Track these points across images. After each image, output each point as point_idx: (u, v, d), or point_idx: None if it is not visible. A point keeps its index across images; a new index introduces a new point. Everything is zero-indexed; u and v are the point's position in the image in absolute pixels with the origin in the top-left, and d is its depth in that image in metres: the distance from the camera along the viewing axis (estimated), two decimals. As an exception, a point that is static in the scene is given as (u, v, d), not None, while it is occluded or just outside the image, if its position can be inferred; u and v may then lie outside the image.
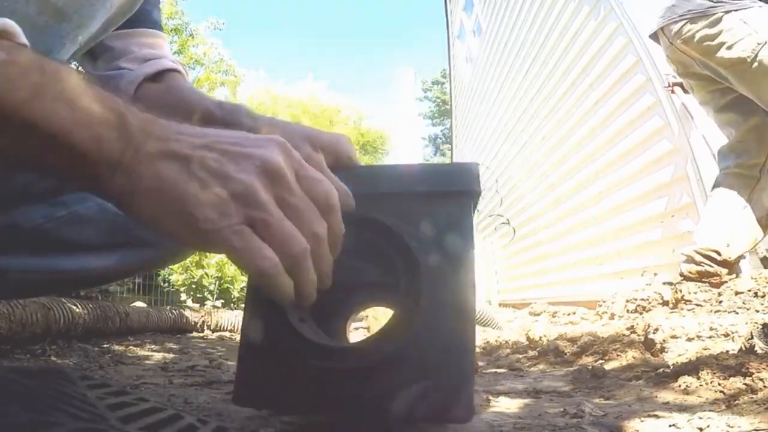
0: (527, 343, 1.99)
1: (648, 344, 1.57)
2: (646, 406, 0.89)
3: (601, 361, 1.27)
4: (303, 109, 14.22)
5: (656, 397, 0.94)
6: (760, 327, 1.30)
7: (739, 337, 1.40)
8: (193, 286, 3.31)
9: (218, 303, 3.36)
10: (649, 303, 2.13)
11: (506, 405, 1.01)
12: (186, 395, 0.93)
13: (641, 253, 3.38)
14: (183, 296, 3.41)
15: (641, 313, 2.13)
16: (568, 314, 2.81)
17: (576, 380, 1.17)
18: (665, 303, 2.11)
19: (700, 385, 0.94)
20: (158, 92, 0.85)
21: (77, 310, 1.70)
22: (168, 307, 2.94)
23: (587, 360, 1.39)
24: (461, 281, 0.61)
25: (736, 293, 1.68)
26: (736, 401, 0.82)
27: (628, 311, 2.19)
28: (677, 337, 1.57)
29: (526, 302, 5.12)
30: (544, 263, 5.15)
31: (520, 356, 1.65)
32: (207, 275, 3.32)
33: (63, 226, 0.77)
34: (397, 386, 0.54)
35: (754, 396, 0.81)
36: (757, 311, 1.57)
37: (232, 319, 2.97)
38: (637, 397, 0.96)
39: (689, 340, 1.52)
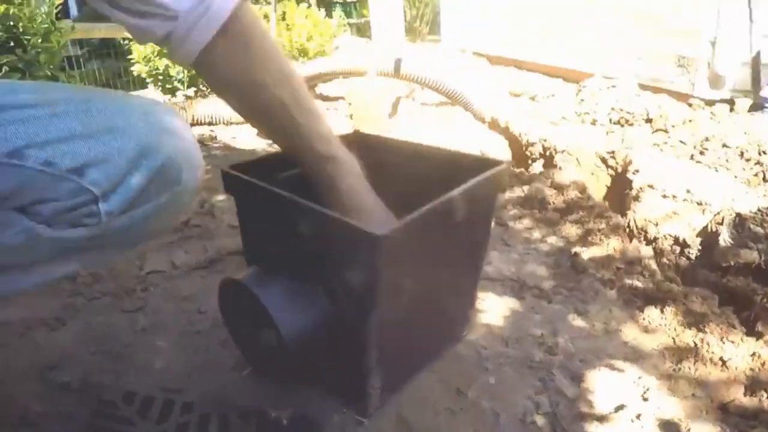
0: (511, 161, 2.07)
1: (624, 205, 1.68)
2: (609, 347, 1.09)
3: (581, 248, 1.40)
4: None
5: (621, 331, 1.13)
6: (732, 217, 1.42)
7: (710, 212, 1.52)
8: (160, 77, 2.93)
9: (190, 92, 3.05)
10: (633, 117, 2.13)
11: (494, 315, 1.19)
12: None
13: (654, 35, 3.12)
14: (150, 87, 3.07)
15: (623, 126, 2.16)
16: (547, 97, 2.77)
17: (557, 274, 1.34)
18: (648, 121, 2.11)
19: (660, 325, 1.12)
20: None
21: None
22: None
23: (571, 230, 1.51)
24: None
25: (723, 146, 1.71)
26: (679, 368, 1.01)
27: (611, 121, 2.20)
28: (654, 188, 1.69)
29: (502, 57, 4.79)
30: (535, 13, 4.50)
31: (506, 198, 1.75)
32: (172, 65, 2.90)
33: None
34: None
35: (694, 369, 1.00)
36: (735, 177, 1.63)
37: (209, 111, 2.73)
38: (605, 328, 1.14)
39: (664, 197, 1.65)
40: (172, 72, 2.84)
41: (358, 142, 1.03)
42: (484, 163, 0.88)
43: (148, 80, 2.95)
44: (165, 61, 2.83)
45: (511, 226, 1.57)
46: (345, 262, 0.69)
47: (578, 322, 1.17)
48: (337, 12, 9.51)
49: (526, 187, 1.74)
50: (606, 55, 3.50)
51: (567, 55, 3.93)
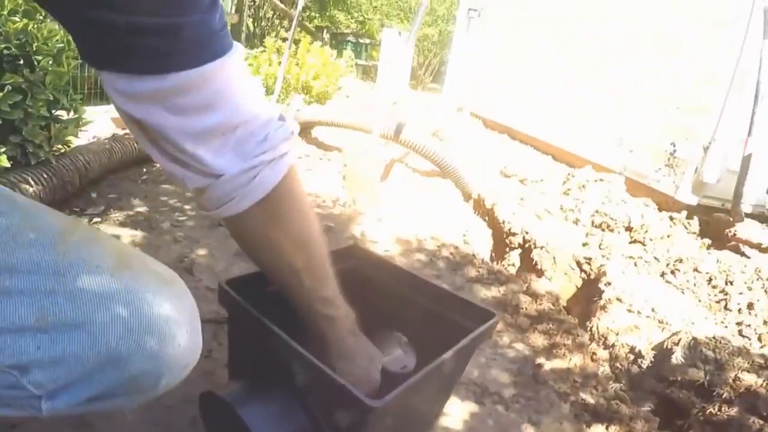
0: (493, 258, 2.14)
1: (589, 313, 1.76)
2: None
3: (545, 360, 1.46)
4: None
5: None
6: (689, 340, 1.51)
7: (669, 331, 1.61)
8: None
9: None
10: (615, 223, 2.24)
11: (454, 419, 1.23)
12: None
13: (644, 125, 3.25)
14: None
15: (603, 230, 2.26)
16: (537, 182, 2.89)
17: (518, 383, 1.39)
18: (629, 229, 2.22)
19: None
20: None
21: (31, 189, 1.58)
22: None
23: (538, 340, 1.57)
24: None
25: (695, 270, 1.81)
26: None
27: (593, 223, 2.31)
28: (621, 302, 1.78)
29: (498, 123, 4.90)
30: (537, 85, 4.61)
31: (482, 296, 1.81)
32: None
33: None
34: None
35: None
36: (699, 301, 1.73)
37: None
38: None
39: (629, 311, 1.73)
40: None
41: (356, 255, 1.04)
42: (473, 311, 0.89)
43: None
44: None
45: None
46: (334, 408, 0.70)
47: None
48: (348, 51, 9.75)
49: (502, 288, 1.81)
50: (599, 143, 3.55)
51: (561, 135, 4.00)
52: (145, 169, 2.47)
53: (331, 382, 0.65)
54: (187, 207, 2.13)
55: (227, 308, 0.83)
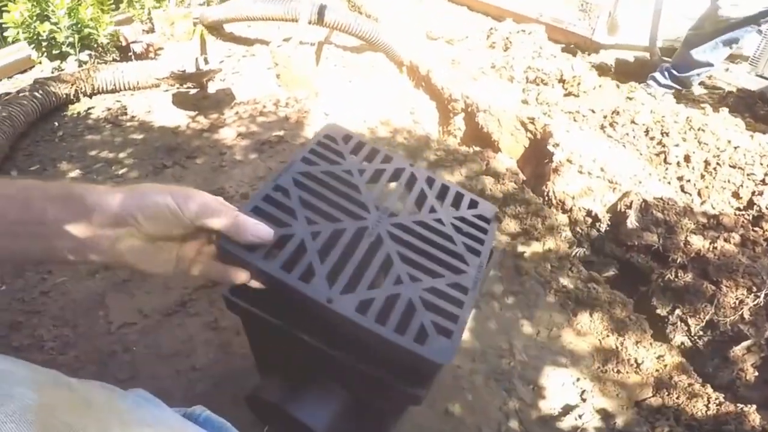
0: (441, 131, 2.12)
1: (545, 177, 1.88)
2: (553, 352, 1.35)
3: (523, 248, 1.61)
4: None
5: (560, 336, 1.40)
6: (639, 202, 1.70)
7: (621, 191, 1.79)
8: (44, 43, 2.14)
9: (84, 56, 2.32)
10: (548, 77, 2.26)
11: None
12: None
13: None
14: (33, 54, 2.25)
15: (538, 85, 2.28)
16: (461, 40, 2.77)
17: (503, 278, 1.54)
18: (561, 81, 2.25)
19: (589, 329, 1.41)
20: None
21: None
22: (27, 88, 1.99)
23: (510, 225, 1.69)
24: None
25: (632, 122, 1.93)
26: (606, 370, 1.32)
27: (527, 80, 2.31)
28: (572, 163, 1.91)
29: None
30: None
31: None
32: (58, 29, 2.12)
33: None
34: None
35: (616, 371, 1.31)
36: (641, 154, 1.89)
37: (110, 77, 2.21)
38: (548, 334, 1.40)
39: (580, 173, 1.88)
40: (60, 37, 2.19)
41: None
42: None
43: (29, 45, 2.25)
44: (49, 26, 2.17)
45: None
46: (387, 377, 0.67)
47: (527, 328, 1.42)
48: None
49: (463, 170, 1.85)
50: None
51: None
52: (56, 123, 2.05)
53: (394, 346, 0.61)
54: (122, 155, 1.85)
55: (241, 317, 0.77)
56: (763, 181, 1.67)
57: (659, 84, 2.53)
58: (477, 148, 2.13)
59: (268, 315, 0.71)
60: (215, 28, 3.04)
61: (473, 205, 0.86)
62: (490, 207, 0.88)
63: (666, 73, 2.52)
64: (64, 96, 2.12)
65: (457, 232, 0.79)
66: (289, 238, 0.66)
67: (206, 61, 2.29)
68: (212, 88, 2.36)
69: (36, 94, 1.96)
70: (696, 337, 1.47)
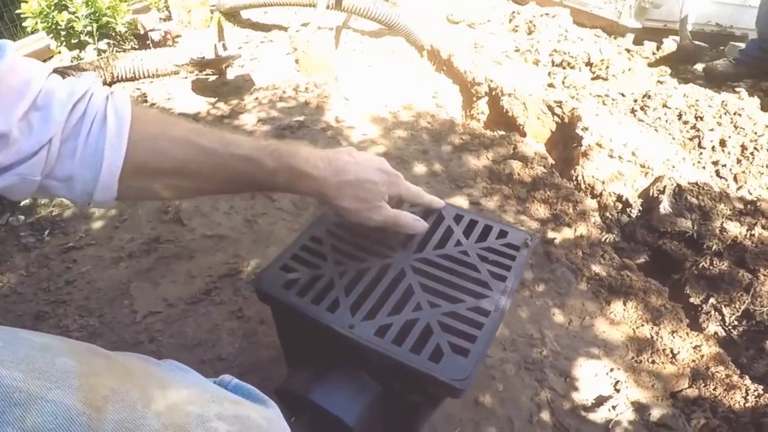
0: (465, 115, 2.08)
1: (574, 160, 1.83)
2: (586, 341, 1.32)
3: (553, 234, 1.56)
4: None
5: (593, 325, 1.36)
6: (673, 187, 1.65)
7: (652, 176, 1.73)
8: (62, 32, 2.13)
9: (103, 45, 2.31)
10: (575, 60, 2.19)
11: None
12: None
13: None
14: (53, 44, 2.24)
15: (564, 68, 2.22)
16: (483, 23, 2.70)
17: (534, 265, 1.50)
18: (589, 64, 2.19)
19: (623, 318, 1.37)
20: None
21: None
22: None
23: (539, 210, 1.65)
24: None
25: (664, 106, 1.86)
26: (640, 360, 1.28)
27: (554, 64, 2.24)
28: (602, 147, 1.85)
29: None
30: None
31: (473, 167, 1.81)
32: (76, 18, 2.10)
33: None
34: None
35: (651, 360, 1.27)
36: (674, 139, 1.83)
37: (129, 65, 2.19)
38: (581, 323, 1.37)
39: (611, 157, 1.82)
40: (78, 26, 2.18)
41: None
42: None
43: (48, 35, 2.24)
44: (67, 15, 2.16)
45: (484, 204, 1.67)
46: (412, 391, 0.72)
47: (559, 317, 1.39)
48: None
49: (490, 154, 1.81)
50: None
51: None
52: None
53: (415, 372, 0.65)
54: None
55: (272, 307, 0.81)
56: (803, 165, 1.60)
57: (753, 57, 2.40)
58: (502, 132, 2.08)
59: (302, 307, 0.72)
60: (232, 15, 3.01)
61: (503, 235, 0.88)
62: (521, 235, 0.89)
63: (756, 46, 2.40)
64: (87, 83, 2.10)
65: (482, 261, 0.82)
66: (319, 277, 0.75)
67: (225, 48, 2.27)
68: (231, 74, 2.34)
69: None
70: (730, 327, 1.42)
